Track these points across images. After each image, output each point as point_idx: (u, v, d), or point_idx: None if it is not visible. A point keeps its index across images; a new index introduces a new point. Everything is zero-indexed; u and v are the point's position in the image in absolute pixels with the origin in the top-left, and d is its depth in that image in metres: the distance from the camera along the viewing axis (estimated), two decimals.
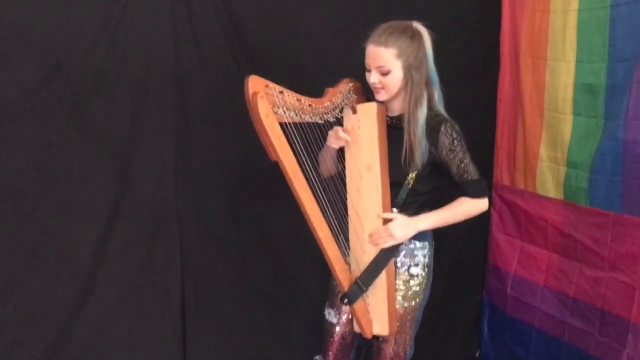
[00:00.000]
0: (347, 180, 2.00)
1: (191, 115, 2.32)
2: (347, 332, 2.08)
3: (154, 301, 2.36)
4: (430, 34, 1.94)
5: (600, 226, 2.30)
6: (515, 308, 2.76)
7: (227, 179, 2.42)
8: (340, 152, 2.03)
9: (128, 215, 2.25)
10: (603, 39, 2.22)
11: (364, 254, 1.97)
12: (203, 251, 2.44)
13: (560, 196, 2.49)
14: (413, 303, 2.03)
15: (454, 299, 2.97)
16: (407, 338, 2.05)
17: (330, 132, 1.96)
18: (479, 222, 2.91)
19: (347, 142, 1.95)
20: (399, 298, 2.01)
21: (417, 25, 1.94)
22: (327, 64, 2.33)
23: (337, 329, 2.08)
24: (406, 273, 2.02)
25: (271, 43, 2.40)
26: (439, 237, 2.84)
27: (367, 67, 1.92)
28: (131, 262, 2.29)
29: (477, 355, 3.06)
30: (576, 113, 2.37)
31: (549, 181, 2.54)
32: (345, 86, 1.96)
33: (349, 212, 1.99)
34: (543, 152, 2.54)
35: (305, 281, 2.60)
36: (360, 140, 1.96)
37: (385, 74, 1.89)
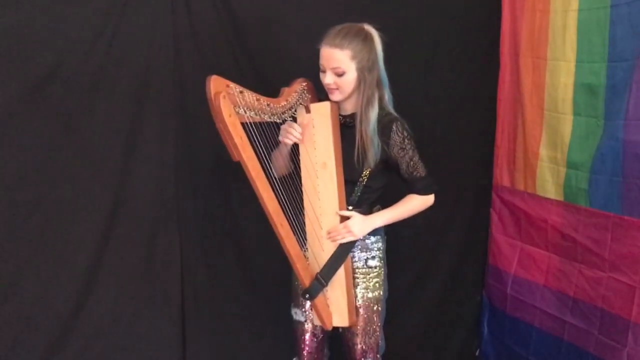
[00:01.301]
0: (303, 179, 2.04)
1: (191, 115, 2.32)
2: (316, 328, 2.14)
3: (154, 301, 2.36)
4: (380, 36, 1.98)
5: (601, 227, 2.30)
6: (515, 308, 2.76)
7: (227, 179, 2.42)
8: (294, 150, 2.06)
9: (128, 215, 2.25)
10: (603, 39, 2.22)
11: (321, 250, 2.03)
12: (203, 251, 2.44)
13: (560, 197, 2.49)
14: (376, 294, 2.10)
15: (454, 299, 2.98)
16: (377, 329, 2.11)
17: (283, 127, 1.99)
18: (479, 223, 2.92)
19: (299, 139, 1.99)
20: (362, 290, 2.09)
21: (369, 28, 1.97)
22: None
23: (307, 326, 2.14)
24: (364, 266, 2.09)
25: (271, 43, 2.40)
26: (438, 238, 2.87)
27: (321, 68, 1.96)
28: (131, 262, 2.29)
29: (477, 354, 3.06)
30: (576, 113, 2.37)
31: (548, 182, 2.54)
32: (299, 86, 2.00)
33: (306, 209, 2.04)
34: (543, 152, 2.54)
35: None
36: (315, 138, 2.01)
37: (340, 75, 1.93)
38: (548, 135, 2.51)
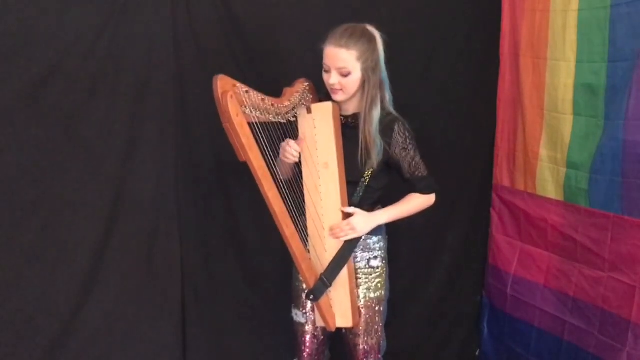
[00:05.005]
0: (305, 179, 2.03)
1: (191, 114, 2.32)
2: (317, 330, 2.13)
3: (154, 301, 2.36)
4: (382, 37, 1.98)
5: (600, 227, 2.30)
6: (515, 308, 2.76)
7: (227, 179, 2.42)
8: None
9: (128, 215, 2.25)
10: (603, 39, 2.22)
11: (324, 251, 2.02)
12: (203, 251, 2.44)
13: (560, 197, 2.49)
14: (379, 294, 2.10)
15: (454, 299, 2.98)
16: (379, 329, 2.11)
17: (282, 144, 1.97)
18: (479, 223, 2.92)
19: (300, 154, 1.97)
20: (365, 290, 2.09)
21: (372, 29, 1.98)
22: None
23: (307, 327, 2.13)
24: (367, 267, 2.09)
25: (270, 43, 2.40)
26: (438, 238, 2.87)
27: (326, 68, 1.95)
28: (131, 262, 2.29)
29: (477, 354, 3.06)
30: (576, 113, 2.37)
31: (549, 182, 2.54)
32: (301, 86, 1.99)
33: (308, 209, 2.03)
34: (543, 152, 2.54)
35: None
36: (317, 139, 2.01)
37: (345, 75, 1.93)
38: (548, 135, 2.52)
